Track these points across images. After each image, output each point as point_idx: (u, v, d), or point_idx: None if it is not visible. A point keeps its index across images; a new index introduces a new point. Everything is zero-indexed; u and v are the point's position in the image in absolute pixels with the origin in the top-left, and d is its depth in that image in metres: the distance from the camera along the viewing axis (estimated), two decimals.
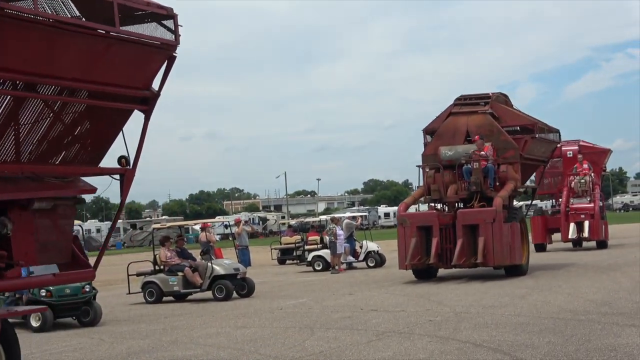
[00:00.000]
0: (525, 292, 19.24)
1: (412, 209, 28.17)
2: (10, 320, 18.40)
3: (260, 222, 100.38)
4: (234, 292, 22.15)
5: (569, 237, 35.90)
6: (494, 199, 23.56)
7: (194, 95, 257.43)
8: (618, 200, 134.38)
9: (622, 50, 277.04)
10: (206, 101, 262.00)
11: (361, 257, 32.97)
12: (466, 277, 24.24)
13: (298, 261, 36.57)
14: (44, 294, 17.50)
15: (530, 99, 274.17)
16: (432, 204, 25.45)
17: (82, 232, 23.57)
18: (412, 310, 17.09)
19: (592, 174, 36.87)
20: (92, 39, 8.53)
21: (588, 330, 13.14)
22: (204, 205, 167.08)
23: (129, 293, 23.35)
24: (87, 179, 9.97)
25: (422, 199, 26.04)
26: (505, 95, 27.31)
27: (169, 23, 9.32)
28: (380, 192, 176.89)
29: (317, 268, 32.37)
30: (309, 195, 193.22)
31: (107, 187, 9.84)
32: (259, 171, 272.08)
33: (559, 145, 36.89)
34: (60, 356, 13.78)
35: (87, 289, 17.94)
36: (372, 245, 32.93)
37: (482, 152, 24.30)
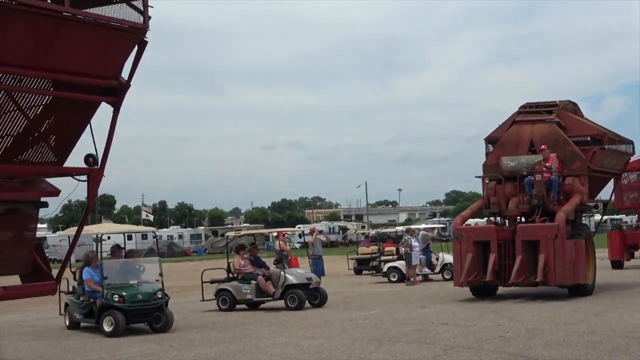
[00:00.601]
0: (600, 310, 18.81)
1: (472, 223, 27.56)
2: (84, 324, 18.79)
3: (341, 232, 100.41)
4: (306, 301, 22.14)
5: None
6: (556, 214, 21.98)
7: (276, 103, 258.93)
8: None
9: None
10: (289, 110, 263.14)
11: (437, 269, 32.68)
12: (528, 296, 22.73)
13: (374, 272, 36.42)
14: (116, 299, 17.72)
15: (617, 112, 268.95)
16: (491, 218, 24.05)
17: (156, 238, 23.73)
18: (484, 324, 16.84)
19: None
20: (40, 20, 7.61)
21: None
22: (286, 213, 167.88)
23: (203, 300, 23.52)
24: (51, 180, 9.01)
25: (483, 212, 24.43)
26: (574, 104, 25.89)
27: (138, 3, 8.39)
28: (462, 203, 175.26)
29: (393, 279, 32.18)
30: (390, 206, 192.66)
31: (73, 190, 8.84)
32: (341, 181, 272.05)
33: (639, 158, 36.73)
34: None
35: (160, 295, 18.10)
36: (448, 258, 32.48)
37: (547, 164, 22.89)
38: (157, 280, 18.62)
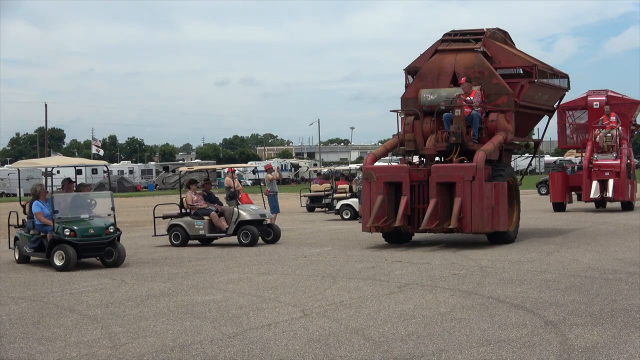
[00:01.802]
0: (553, 249, 18.96)
1: (385, 162, 26.24)
2: (34, 258, 18.54)
3: (292, 169, 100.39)
4: (260, 238, 22.07)
5: (591, 196, 32.24)
6: (475, 153, 19.97)
7: (230, 39, 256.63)
8: None
9: None
10: (243, 46, 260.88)
11: None
12: (444, 243, 20.97)
13: (327, 209, 36.48)
14: (68, 233, 17.46)
15: (570, 54, 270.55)
16: (406, 157, 21.84)
17: (108, 173, 23.40)
18: (437, 263, 16.89)
19: (620, 128, 33.27)
20: None
21: (615, 289, 12.89)
22: (238, 150, 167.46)
23: (155, 235, 23.34)
24: None
25: (398, 150, 22.28)
26: (505, 32, 23.49)
27: None
28: None
29: (345, 217, 32.23)
30: (342, 144, 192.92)
31: None
32: (293, 118, 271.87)
33: (586, 96, 35.10)
34: (80, 296, 13.73)
35: (111, 230, 17.88)
36: None
37: (469, 98, 20.84)
38: (109, 215, 18.37)
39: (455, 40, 22.29)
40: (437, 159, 21.30)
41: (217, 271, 16.62)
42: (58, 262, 17.40)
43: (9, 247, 19.83)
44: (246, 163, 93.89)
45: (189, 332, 10.45)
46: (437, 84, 21.66)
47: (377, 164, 21.69)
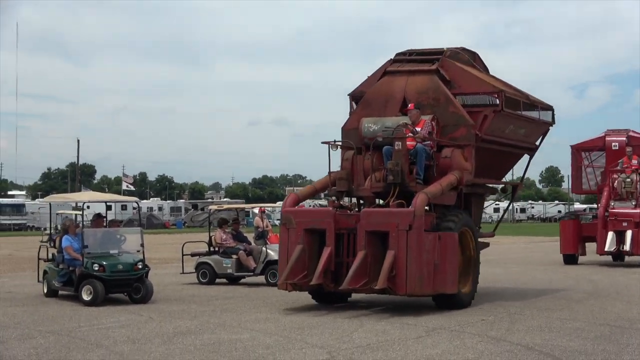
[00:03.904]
0: (582, 297, 18.78)
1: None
2: (63, 292, 18.62)
3: None
4: None
5: (606, 249, 28.34)
6: (415, 196, 16.24)
7: (262, 80, 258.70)
8: None
9: None
10: (275, 86, 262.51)
11: None
12: (391, 305, 17.31)
13: None
14: (96, 268, 17.53)
15: (604, 101, 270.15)
16: (334, 199, 17.82)
17: (139, 209, 23.55)
18: (465, 307, 16.76)
19: None
20: None
21: None
22: (266, 190, 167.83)
23: (183, 273, 23.36)
24: None
25: (329, 191, 18.21)
26: (473, 53, 19.56)
27: None
28: None
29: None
30: None
31: None
32: (324, 159, 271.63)
33: (604, 135, 31.77)
34: (107, 331, 13.75)
35: (140, 266, 17.93)
36: None
37: (417, 128, 17.23)
38: (138, 251, 18.46)
39: (410, 60, 18.65)
40: (378, 201, 17.68)
41: (244, 310, 16.59)
42: (86, 297, 17.44)
43: (38, 281, 19.91)
44: (275, 203, 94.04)
45: None
46: (384, 111, 18.12)
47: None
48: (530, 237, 56.72)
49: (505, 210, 25.00)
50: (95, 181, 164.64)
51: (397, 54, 18.88)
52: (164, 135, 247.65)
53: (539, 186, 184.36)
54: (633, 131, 32.34)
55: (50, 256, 19.63)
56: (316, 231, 16.73)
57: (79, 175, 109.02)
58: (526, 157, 20.68)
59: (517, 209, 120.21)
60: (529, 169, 21.30)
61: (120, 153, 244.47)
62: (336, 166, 18.00)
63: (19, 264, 30.63)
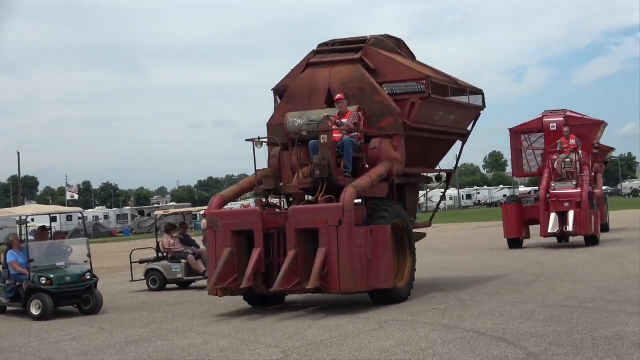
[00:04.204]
0: (530, 280, 18.99)
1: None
2: (10, 308, 18.33)
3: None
4: None
5: (549, 231, 27.98)
6: (343, 190, 15.65)
7: (201, 81, 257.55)
8: (627, 185, 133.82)
9: (633, 34, 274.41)
10: (215, 88, 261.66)
11: None
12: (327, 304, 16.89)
13: None
14: (44, 281, 17.30)
15: (541, 84, 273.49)
16: (262, 198, 17.30)
17: (84, 219, 23.29)
18: (417, 297, 16.84)
19: (581, 152, 29.41)
20: None
21: (595, 318, 12.91)
22: (213, 191, 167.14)
23: (132, 280, 23.15)
24: None
25: (256, 190, 17.75)
26: (399, 40, 19.07)
27: None
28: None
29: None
30: None
31: None
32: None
33: (541, 117, 31.54)
34: (58, 345, 13.59)
35: (88, 277, 17.73)
36: None
37: (343, 120, 16.72)
38: (86, 262, 18.24)
39: (333, 50, 18.13)
40: (307, 198, 17.03)
41: (195, 315, 16.51)
42: (35, 312, 17.21)
43: None
44: None
45: None
46: (309, 105, 17.55)
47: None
48: (477, 223, 57.24)
49: (441, 199, 23.71)
50: (39, 193, 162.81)
51: (320, 45, 18.36)
52: (106, 143, 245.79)
53: (484, 172, 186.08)
54: (571, 111, 32.26)
55: None
56: (244, 232, 16.13)
57: (21, 189, 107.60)
58: (459, 143, 20.39)
59: (463, 195, 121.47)
60: (463, 154, 21.27)
61: (63, 163, 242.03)
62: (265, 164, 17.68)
63: None
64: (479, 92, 19.89)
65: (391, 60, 17.83)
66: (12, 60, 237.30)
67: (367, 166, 16.67)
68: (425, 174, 19.77)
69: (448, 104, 18.55)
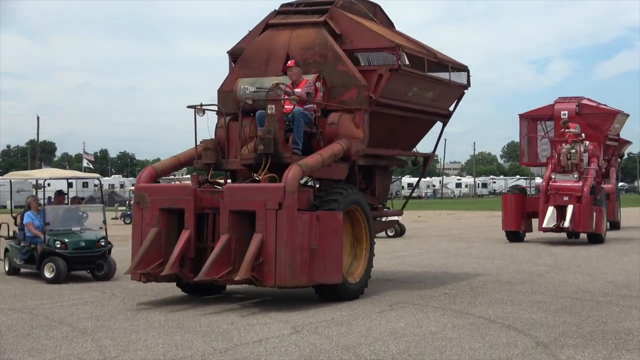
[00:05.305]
0: (543, 270, 18.98)
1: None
2: (24, 270, 18.48)
3: None
4: None
5: (544, 225, 26.25)
6: (288, 169, 13.55)
7: (223, 56, 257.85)
8: None
9: None
10: None
11: None
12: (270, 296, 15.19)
13: None
14: (58, 245, 17.43)
15: (563, 76, 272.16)
16: (199, 174, 15.17)
17: (101, 186, 23.38)
18: (429, 282, 16.88)
19: (588, 143, 27.48)
20: None
21: (606, 312, 12.90)
22: None
23: None
24: None
25: (195, 163, 15.58)
26: (375, 5, 17.13)
27: None
28: None
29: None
30: None
31: None
32: None
33: (553, 103, 29.76)
34: (70, 309, 13.68)
35: (102, 243, 17.86)
36: None
37: (296, 90, 14.67)
38: (101, 228, 18.39)
39: (296, 12, 16.15)
40: (253, 176, 14.33)
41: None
42: (48, 275, 17.34)
43: None
44: None
45: (180, 347, 10.41)
46: (265, 71, 15.59)
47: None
48: (491, 212, 57.12)
49: (416, 185, 22.49)
50: (56, 158, 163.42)
51: (283, 5, 16.40)
52: (125, 112, 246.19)
53: (501, 161, 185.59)
54: (588, 99, 30.42)
55: (11, 234, 19.47)
56: (175, 211, 14.18)
57: (39, 153, 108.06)
58: (439, 124, 18.26)
59: (479, 183, 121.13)
60: (441, 137, 18.79)
61: (81, 130, 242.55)
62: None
63: None
64: (464, 68, 17.75)
65: (360, 26, 15.75)
66: (35, 24, 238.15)
67: (322, 144, 14.75)
68: (400, 157, 17.82)
69: (424, 79, 16.41)
